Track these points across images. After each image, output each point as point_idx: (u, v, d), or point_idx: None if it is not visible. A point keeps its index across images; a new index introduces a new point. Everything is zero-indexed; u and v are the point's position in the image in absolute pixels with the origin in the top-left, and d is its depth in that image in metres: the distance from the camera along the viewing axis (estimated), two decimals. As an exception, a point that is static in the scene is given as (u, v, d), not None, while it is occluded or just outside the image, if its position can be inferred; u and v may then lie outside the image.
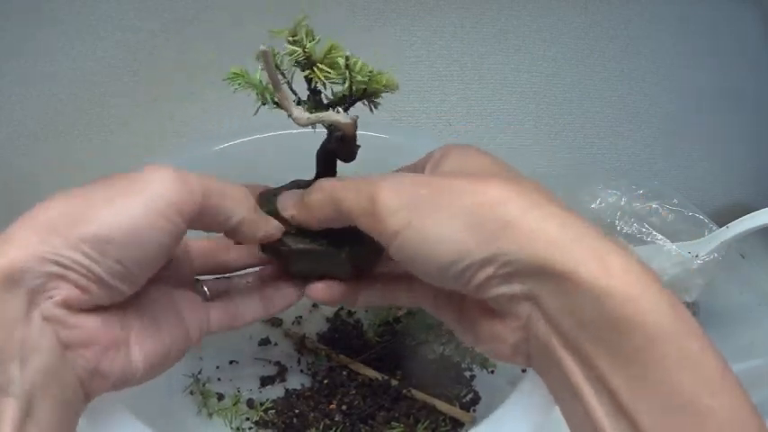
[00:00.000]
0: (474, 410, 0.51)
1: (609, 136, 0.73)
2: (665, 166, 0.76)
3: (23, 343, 0.27)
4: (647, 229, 0.58)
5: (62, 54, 0.61)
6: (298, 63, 0.35)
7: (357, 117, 0.36)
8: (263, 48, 0.32)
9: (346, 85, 0.35)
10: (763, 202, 0.55)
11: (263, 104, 0.35)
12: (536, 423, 0.36)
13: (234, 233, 0.34)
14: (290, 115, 0.34)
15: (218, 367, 0.55)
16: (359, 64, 0.35)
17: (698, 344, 0.27)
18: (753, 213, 0.53)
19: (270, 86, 0.34)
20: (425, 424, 0.49)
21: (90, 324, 0.30)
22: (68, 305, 0.29)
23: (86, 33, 0.61)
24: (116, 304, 0.31)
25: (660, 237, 0.57)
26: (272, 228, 0.36)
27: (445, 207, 0.30)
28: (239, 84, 0.35)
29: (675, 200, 0.60)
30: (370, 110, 0.38)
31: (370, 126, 0.60)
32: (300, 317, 0.60)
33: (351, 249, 0.37)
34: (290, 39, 0.35)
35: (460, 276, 0.30)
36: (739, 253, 0.57)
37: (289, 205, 0.37)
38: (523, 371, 0.41)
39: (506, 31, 0.66)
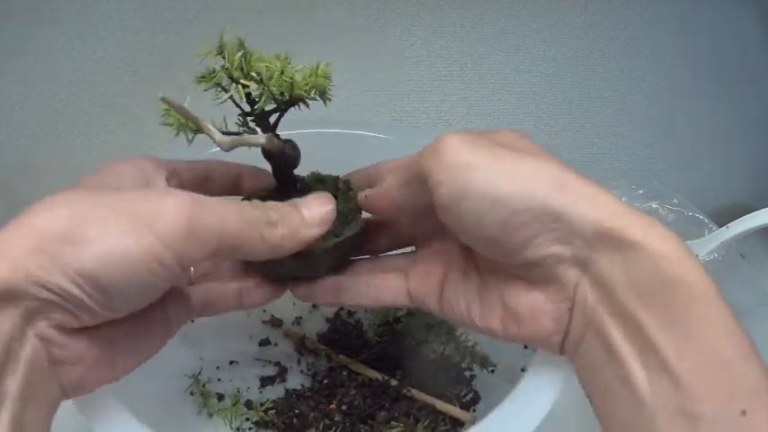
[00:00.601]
0: (474, 410, 0.51)
1: (609, 136, 0.73)
2: (665, 166, 0.76)
3: (18, 357, 0.28)
4: (647, 229, 0.58)
5: (62, 54, 0.61)
6: (225, 82, 0.36)
7: (271, 134, 0.36)
8: (160, 95, 0.33)
9: (263, 97, 0.35)
10: (763, 202, 0.55)
11: (188, 134, 0.36)
12: (535, 422, 0.36)
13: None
14: (213, 141, 0.34)
15: (218, 368, 0.55)
16: (275, 75, 0.35)
17: (730, 309, 0.29)
18: (753, 213, 0.53)
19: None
20: (425, 424, 0.49)
21: (79, 344, 0.31)
22: (60, 327, 0.30)
23: (86, 33, 0.61)
24: (106, 323, 0.31)
25: (660, 237, 0.57)
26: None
27: (512, 165, 0.31)
28: (169, 123, 0.36)
29: (675, 200, 0.60)
30: (322, 104, 0.39)
31: (370, 126, 0.61)
32: (300, 317, 0.60)
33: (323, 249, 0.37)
34: (217, 55, 0.36)
35: (518, 229, 0.30)
36: (739, 253, 0.57)
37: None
38: (522, 370, 0.41)
39: (506, 31, 0.66)
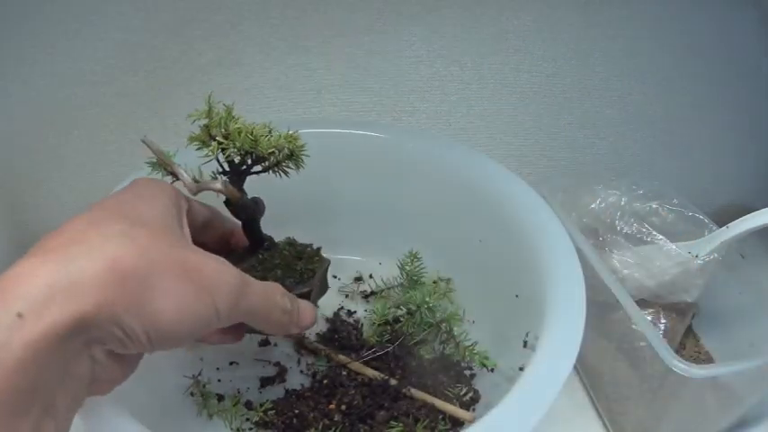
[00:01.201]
0: (474, 409, 0.51)
1: (609, 136, 0.73)
2: (665, 166, 0.76)
3: (72, 376, 0.30)
4: (647, 229, 0.58)
5: (62, 54, 0.61)
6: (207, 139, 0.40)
7: (227, 180, 0.41)
8: (142, 139, 0.39)
9: (227, 153, 0.40)
10: (763, 202, 0.55)
11: (162, 174, 0.41)
12: (534, 422, 0.36)
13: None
14: (183, 184, 0.39)
15: (218, 368, 0.55)
16: (242, 134, 0.39)
17: None
18: (753, 213, 0.53)
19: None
20: (425, 423, 0.49)
21: (116, 366, 0.33)
22: (110, 353, 0.32)
23: (86, 33, 0.61)
24: None
25: (660, 237, 0.57)
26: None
27: None
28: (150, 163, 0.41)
29: (675, 200, 0.60)
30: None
31: (370, 126, 0.61)
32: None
33: None
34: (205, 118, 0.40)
35: None
36: (739, 253, 0.56)
37: None
38: (521, 369, 0.41)
39: (506, 31, 0.66)
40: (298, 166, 0.42)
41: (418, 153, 0.59)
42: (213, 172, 0.42)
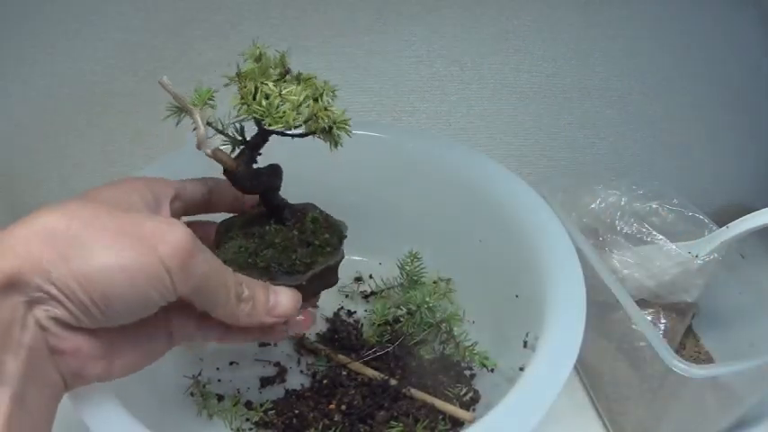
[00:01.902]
0: (474, 409, 0.51)
1: (609, 136, 0.73)
2: (665, 166, 0.76)
3: (19, 341, 0.30)
4: (647, 229, 0.58)
5: (62, 54, 0.61)
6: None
7: (218, 147, 0.37)
8: (159, 81, 0.36)
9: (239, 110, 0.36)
10: (763, 202, 0.55)
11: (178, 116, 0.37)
12: (534, 422, 0.36)
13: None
14: (195, 128, 0.36)
15: (218, 369, 0.55)
16: (258, 95, 0.35)
17: None
18: (753, 213, 0.52)
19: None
20: (425, 423, 0.49)
21: (76, 339, 0.32)
22: (59, 321, 0.31)
23: (86, 33, 0.61)
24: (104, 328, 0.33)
25: (660, 237, 0.57)
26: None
27: None
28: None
29: (675, 200, 0.60)
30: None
31: (370, 126, 0.61)
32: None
33: None
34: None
35: None
36: (739, 253, 0.56)
37: None
38: (521, 369, 0.41)
39: (506, 31, 0.66)
40: (336, 143, 0.37)
41: (418, 153, 0.59)
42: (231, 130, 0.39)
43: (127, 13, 0.61)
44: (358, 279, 0.64)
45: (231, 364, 0.56)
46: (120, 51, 0.62)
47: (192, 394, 0.53)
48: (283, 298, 0.39)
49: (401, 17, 0.64)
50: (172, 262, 0.31)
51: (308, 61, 0.65)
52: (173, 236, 0.32)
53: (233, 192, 0.41)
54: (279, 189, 0.41)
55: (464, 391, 0.52)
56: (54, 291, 0.30)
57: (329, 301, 0.60)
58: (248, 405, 0.52)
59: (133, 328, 0.34)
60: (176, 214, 0.39)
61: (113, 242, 0.31)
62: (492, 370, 0.52)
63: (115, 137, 0.67)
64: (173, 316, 0.37)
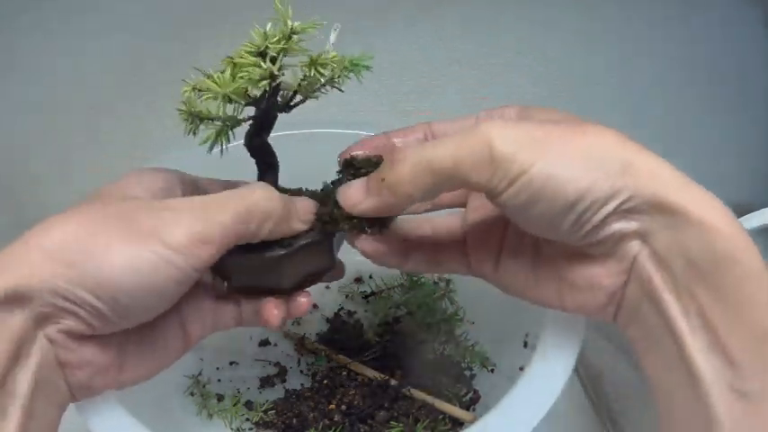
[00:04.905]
0: (474, 409, 0.51)
1: (609, 136, 0.73)
2: (664, 166, 0.75)
3: (28, 357, 0.30)
4: (647, 229, 0.58)
5: (62, 54, 0.61)
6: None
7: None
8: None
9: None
10: (763, 202, 0.55)
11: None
12: (534, 422, 0.36)
13: None
14: None
15: (218, 368, 0.55)
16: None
17: None
18: (753, 213, 0.52)
19: None
20: (425, 423, 0.49)
21: (87, 350, 0.32)
22: (70, 333, 0.31)
23: (86, 33, 0.61)
24: (117, 332, 0.33)
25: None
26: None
27: (565, 148, 0.30)
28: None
29: (675, 200, 0.60)
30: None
31: (370, 126, 0.61)
32: (300, 317, 0.59)
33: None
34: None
35: (583, 214, 0.30)
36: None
37: (358, 195, 0.35)
38: (521, 369, 0.41)
39: (506, 31, 0.66)
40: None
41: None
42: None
43: (127, 13, 0.61)
44: (358, 279, 0.64)
45: (231, 363, 0.56)
46: (120, 51, 0.62)
47: (191, 394, 0.53)
48: (303, 204, 0.37)
49: (401, 17, 0.64)
50: (179, 243, 0.31)
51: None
52: (174, 214, 0.32)
53: None
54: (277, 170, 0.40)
55: (464, 391, 0.52)
56: (62, 303, 0.30)
57: (329, 301, 0.60)
58: (248, 405, 0.52)
59: (148, 331, 0.34)
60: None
61: (119, 241, 0.30)
62: (492, 370, 0.52)
63: (115, 137, 0.67)
64: (184, 308, 0.36)
